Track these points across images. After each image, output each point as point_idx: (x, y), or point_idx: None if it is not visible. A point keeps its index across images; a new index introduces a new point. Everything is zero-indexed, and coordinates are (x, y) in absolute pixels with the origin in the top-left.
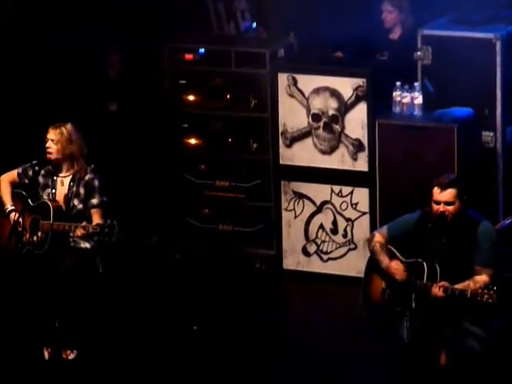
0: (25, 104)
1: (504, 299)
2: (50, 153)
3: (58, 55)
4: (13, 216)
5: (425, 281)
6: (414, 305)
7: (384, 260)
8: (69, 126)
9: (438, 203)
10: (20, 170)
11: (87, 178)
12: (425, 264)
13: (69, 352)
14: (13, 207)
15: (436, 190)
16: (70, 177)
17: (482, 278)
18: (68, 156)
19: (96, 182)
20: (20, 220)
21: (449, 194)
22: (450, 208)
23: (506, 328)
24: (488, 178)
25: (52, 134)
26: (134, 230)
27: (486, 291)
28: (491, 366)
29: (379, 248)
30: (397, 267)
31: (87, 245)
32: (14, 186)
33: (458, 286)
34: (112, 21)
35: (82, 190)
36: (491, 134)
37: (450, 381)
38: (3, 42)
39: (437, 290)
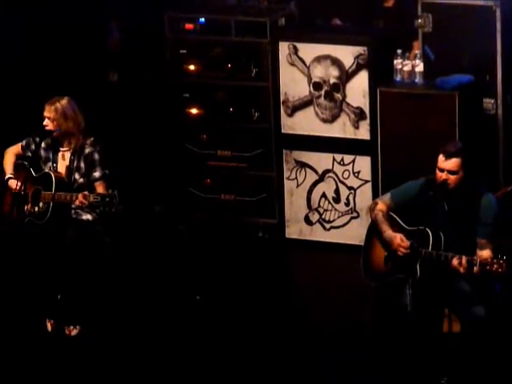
0: (27, 76)
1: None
2: (49, 130)
3: (58, 26)
4: (11, 184)
5: (430, 249)
6: (418, 273)
7: (387, 230)
8: (64, 101)
9: (442, 170)
10: (23, 142)
11: (87, 151)
12: (430, 232)
13: (72, 328)
14: (11, 175)
15: (441, 158)
16: (71, 151)
17: (487, 253)
18: (65, 132)
19: (96, 155)
20: (22, 190)
21: (453, 163)
22: (453, 177)
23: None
24: (489, 145)
25: (47, 112)
26: (136, 201)
27: (495, 260)
28: (496, 331)
29: (382, 217)
30: (401, 243)
31: (89, 216)
32: (19, 158)
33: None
34: None
35: (82, 164)
36: (492, 100)
37: (454, 347)
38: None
39: (457, 263)
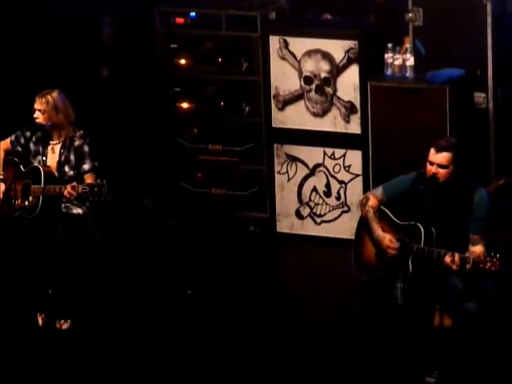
0: (18, 70)
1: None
2: (39, 123)
3: (51, 20)
4: (0, 187)
5: (422, 245)
6: (411, 269)
7: (377, 230)
8: (55, 94)
9: (432, 164)
10: (13, 137)
11: (77, 144)
12: (421, 227)
13: (63, 322)
14: (1, 177)
15: (432, 151)
16: (61, 144)
17: (480, 249)
18: (55, 124)
19: (86, 148)
20: (12, 185)
21: (443, 157)
22: (443, 171)
23: (500, 290)
24: (480, 139)
25: (38, 104)
26: (127, 195)
27: (488, 259)
28: (488, 327)
29: (372, 215)
30: (390, 245)
31: (79, 210)
32: (8, 153)
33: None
34: None
35: (72, 157)
36: (483, 94)
37: (444, 342)
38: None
39: (449, 261)
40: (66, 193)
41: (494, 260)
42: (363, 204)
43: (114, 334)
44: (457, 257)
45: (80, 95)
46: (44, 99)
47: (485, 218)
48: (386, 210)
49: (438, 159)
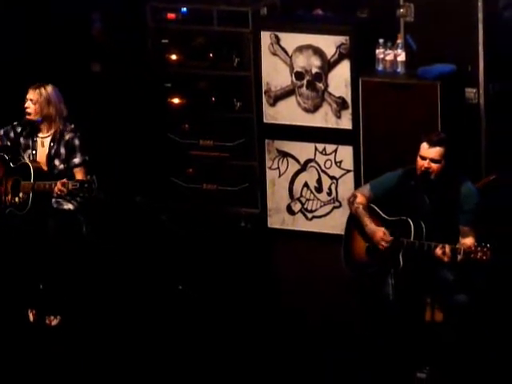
0: (18, 70)
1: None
2: (29, 113)
3: (51, 20)
4: None
5: (412, 239)
6: (401, 264)
7: (369, 224)
8: (49, 87)
9: (424, 159)
10: (1, 132)
11: (67, 137)
12: (411, 222)
13: (52, 318)
14: None
15: (424, 146)
16: (50, 137)
17: (470, 240)
18: (46, 117)
19: (76, 141)
20: (2, 182)
21: (436, 151)
22: (435, 166)
23: (491, 282)
24: (471, 134)
25: (31, 94)
26: (118, 191)
27: (479, 248)
28: (480, 319)
29: (362, 210)
30: (384, 237)
31: (70, 206)
32: None
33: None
34: None
35: (62, 150)
36: (474, 90)
37: (436, 337)
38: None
39: (440, 253)
40: (56, 189)
41: (485, 249)
42: (351, 202)
43: (105, 330)
44: (448, 248)
45: (72, 91)
46: (38, 90)
47: (474, 210)
48: (375, 207)
49: (431, 154)
